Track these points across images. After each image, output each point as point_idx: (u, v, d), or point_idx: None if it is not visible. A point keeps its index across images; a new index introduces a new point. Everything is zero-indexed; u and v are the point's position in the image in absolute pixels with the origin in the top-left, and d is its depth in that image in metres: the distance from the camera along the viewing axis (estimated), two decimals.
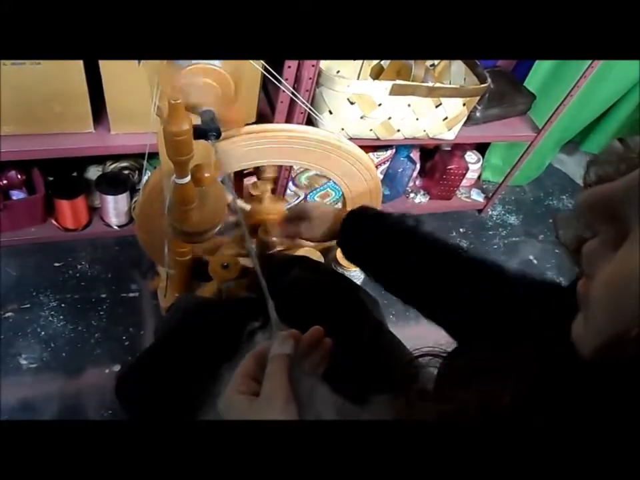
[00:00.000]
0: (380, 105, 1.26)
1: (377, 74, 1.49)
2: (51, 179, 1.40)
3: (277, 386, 0.40)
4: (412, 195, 1.86)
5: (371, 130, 1.33)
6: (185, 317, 0.82)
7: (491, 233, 1.94)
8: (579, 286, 0.29)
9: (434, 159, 1.85)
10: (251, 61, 0.77)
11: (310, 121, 1.28)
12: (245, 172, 1.47)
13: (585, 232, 0.31)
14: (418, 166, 1.80)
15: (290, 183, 1.55)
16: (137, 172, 1.49)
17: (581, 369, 0.30)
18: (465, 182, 1.90)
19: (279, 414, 0.38)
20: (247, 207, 1.10)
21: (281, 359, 0.42)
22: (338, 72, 1.44)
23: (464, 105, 1.36)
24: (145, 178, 1.40)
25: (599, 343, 0.26)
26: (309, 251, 1.19)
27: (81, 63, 1.05)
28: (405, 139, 1.41)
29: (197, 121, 0.66)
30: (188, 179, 0.70)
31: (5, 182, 1.32)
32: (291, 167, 1.42)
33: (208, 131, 0.63)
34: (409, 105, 1.29)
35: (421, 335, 0.58)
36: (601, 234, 0.28)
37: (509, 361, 0.39)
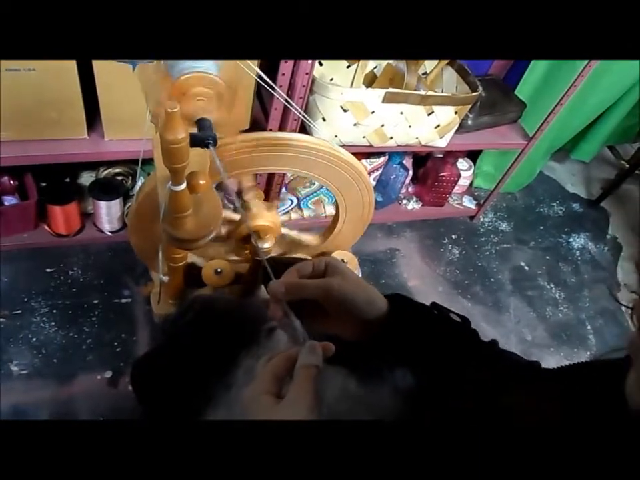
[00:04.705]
0: (373, 112, 1.27)
1: (369, 82, 1.50)
2: (44, 184, 1.40)
3: (303, 393, 0.40)
4: (404, 201, 1.87)
5: (364, 137, 1.34)
6: (203, 310, 0.82)
7: (482, 239, 1.95)
8: (631, 338, 0.31)
9: (426, 166, 1.86)
10: (245, 68, 0.78)
11: (303, 128, 1.28)
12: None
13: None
14: (410, 173, 1.81)
15: (283, 189, 1.56)
16: (130, 178, 1.48)
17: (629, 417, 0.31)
18: (456, 189, 1.92)
19: (302, 418, 0.39)
20: (236, 216, 1.09)
21: (308, 370, 0.42)
22: (331, 80, 1.45)
23: (456, 112, 1.37)
24: (138, 184, 1.40)
25: None
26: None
27: (75, 69, 1.04)
28: (398, 146, 1.42)
29: (192, 128, 0.66)
30: (183, 186, 0.70)
31: None
32: (284, 173, 1.42)
33: (204, 138, 0.64)
34: (402, 113, 1.30)
35: None
36: None
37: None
